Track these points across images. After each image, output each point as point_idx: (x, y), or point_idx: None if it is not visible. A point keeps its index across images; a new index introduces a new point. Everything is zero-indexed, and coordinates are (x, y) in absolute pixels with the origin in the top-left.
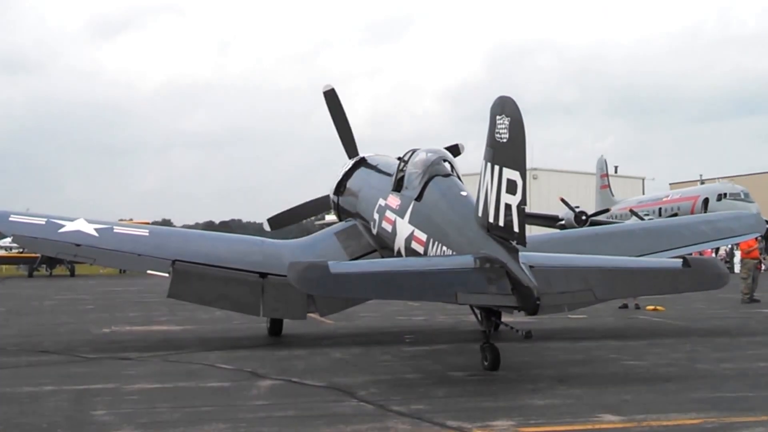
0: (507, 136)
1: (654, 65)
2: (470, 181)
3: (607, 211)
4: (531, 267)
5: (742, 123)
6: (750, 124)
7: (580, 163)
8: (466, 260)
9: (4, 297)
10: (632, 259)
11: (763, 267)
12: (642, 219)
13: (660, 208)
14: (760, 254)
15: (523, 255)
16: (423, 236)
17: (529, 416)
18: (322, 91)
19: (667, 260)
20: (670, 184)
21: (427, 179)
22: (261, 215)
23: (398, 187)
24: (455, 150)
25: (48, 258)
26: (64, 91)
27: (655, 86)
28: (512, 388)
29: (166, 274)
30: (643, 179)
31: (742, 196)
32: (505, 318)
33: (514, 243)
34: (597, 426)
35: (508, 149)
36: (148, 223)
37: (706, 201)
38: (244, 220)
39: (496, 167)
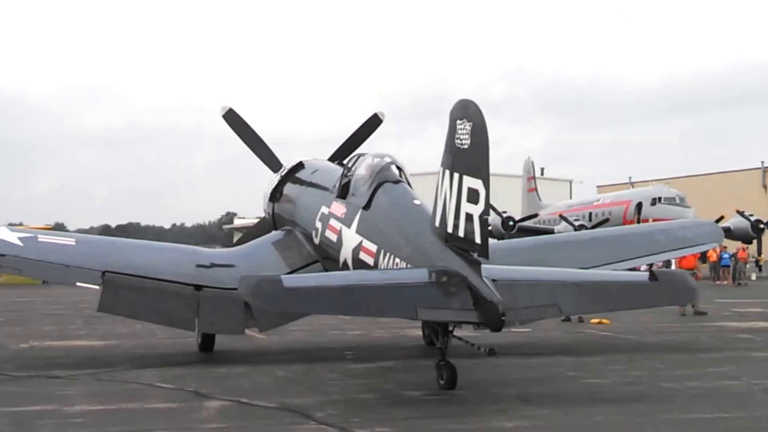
0: (468, 141)
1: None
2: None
3: (535, 216)
4: (494, 281)
5: (669, 124)
6: (678, 125)
7: (503, 164)
8: (421, 274)
9: None
10: (598, 273)
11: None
12: (572, 225)
13: (590, 213)
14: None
15: (485, 268)
16: (373, 247)
17: None
18: (221, 115)
19: (634, 273)
20: (598, 186)
21: (376, 186)
22: (160, 219)
23: (343, 193)
24: (375, 120)
25: None
26: None
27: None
28: (475, 409)
29: (96, 286)
30: (571, 182)
31: (678, 201)
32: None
33: (475, 255)
34: None
35: (469, 156)
36: (42, 228)
37: (639, 205)
38: (143, 223)
39: (456, 174)
